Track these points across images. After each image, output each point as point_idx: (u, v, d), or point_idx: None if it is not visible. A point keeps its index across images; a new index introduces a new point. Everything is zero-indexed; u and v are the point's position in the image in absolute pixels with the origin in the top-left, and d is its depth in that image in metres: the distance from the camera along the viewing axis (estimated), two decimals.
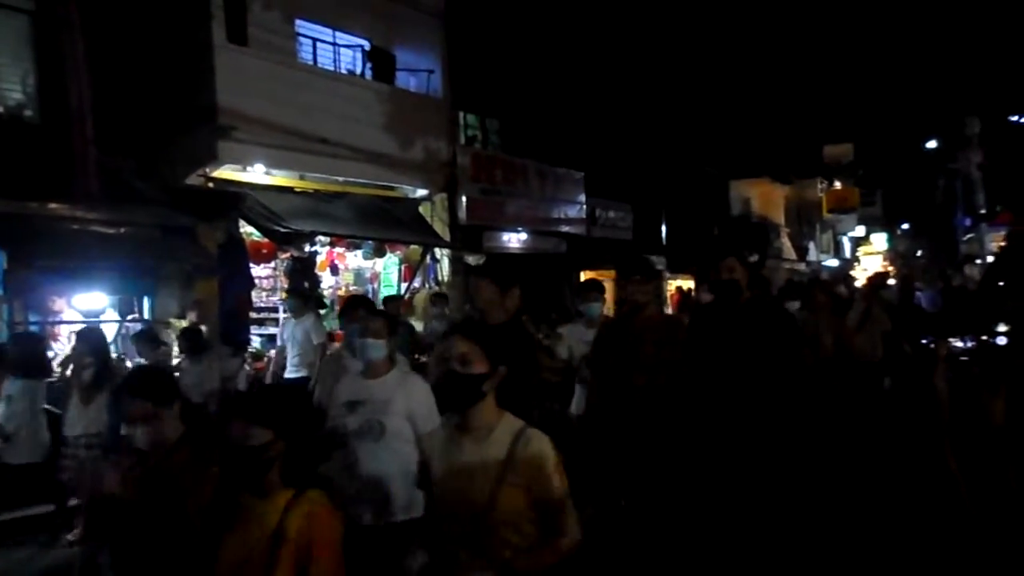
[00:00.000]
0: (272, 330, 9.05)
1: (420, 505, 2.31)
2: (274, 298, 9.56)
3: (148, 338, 6.02)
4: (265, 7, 9.03)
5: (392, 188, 10.76)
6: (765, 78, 28.80)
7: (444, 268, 11.19)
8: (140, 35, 7.88)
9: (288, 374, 7.12)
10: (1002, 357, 4.14)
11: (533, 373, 3.64)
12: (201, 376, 5.95)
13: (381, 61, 10.81)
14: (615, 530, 3.29)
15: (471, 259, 10.95)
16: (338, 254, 10.13)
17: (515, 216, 12.47)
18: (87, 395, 4.88)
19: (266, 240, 8.64)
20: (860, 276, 14.99)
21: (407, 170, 10.55)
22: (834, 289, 7.97)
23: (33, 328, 6.59)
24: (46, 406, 5.19)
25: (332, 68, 10.28)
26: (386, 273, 10.85)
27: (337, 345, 6.41)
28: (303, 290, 8.23)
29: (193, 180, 8.32)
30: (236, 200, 8.27)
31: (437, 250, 11.04)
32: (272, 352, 8.05)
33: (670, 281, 18.09)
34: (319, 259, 9.70)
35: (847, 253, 35.66)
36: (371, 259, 10.25)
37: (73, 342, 5.69)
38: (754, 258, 13.90)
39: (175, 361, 6.52)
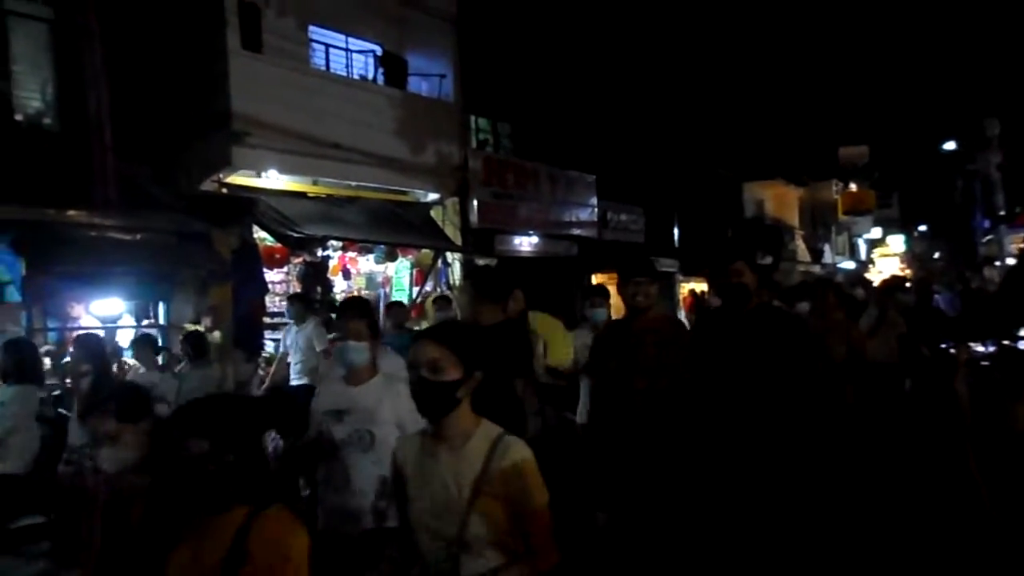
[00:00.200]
0: None
1: None
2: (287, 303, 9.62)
3: (147, 344, 5.97)
4: (279, 14, 9.10)
5: (404, 192, 10.80)
6: (779, 79, 28.67)
7: (456, 272, 11.19)
8: (156, 43, 7.96)
9: (292, 381, 7.10)
10: None
11: (526, 373, 3.56)
12: (203, 381, 5.83)
13: (393, 66, 10.86)
14: (625, 537, 3.23)
15: (482, 263, 10.94)
16: (350, 258, 10.16)
17: (526, 220, 12.47)
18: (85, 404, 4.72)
19: (279, 245, 8.68)
20: (875, 279, 14.82)
21: (419, 174, 10.59)
22: (850, 292, 7.87)
23: (52, 334, 6.64)
24: (61, 410, 5.15)
25: (345, 74, 10.34)
26: (398, 277, 10.87)
27: None
28: (304, 296, 8.21)
29: (208, 186, 8.40)
30: (250, 205, 8.32)
31: (449, 254, 11.05)
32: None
33: (683, 284, 18.01)
34: (331, 264, 9.74)
35: (863, 255, 35.31)
36: (383, 263, 10.27)
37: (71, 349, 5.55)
38: (767, 260, 13.65)
39: (178, 368, 6.39)
